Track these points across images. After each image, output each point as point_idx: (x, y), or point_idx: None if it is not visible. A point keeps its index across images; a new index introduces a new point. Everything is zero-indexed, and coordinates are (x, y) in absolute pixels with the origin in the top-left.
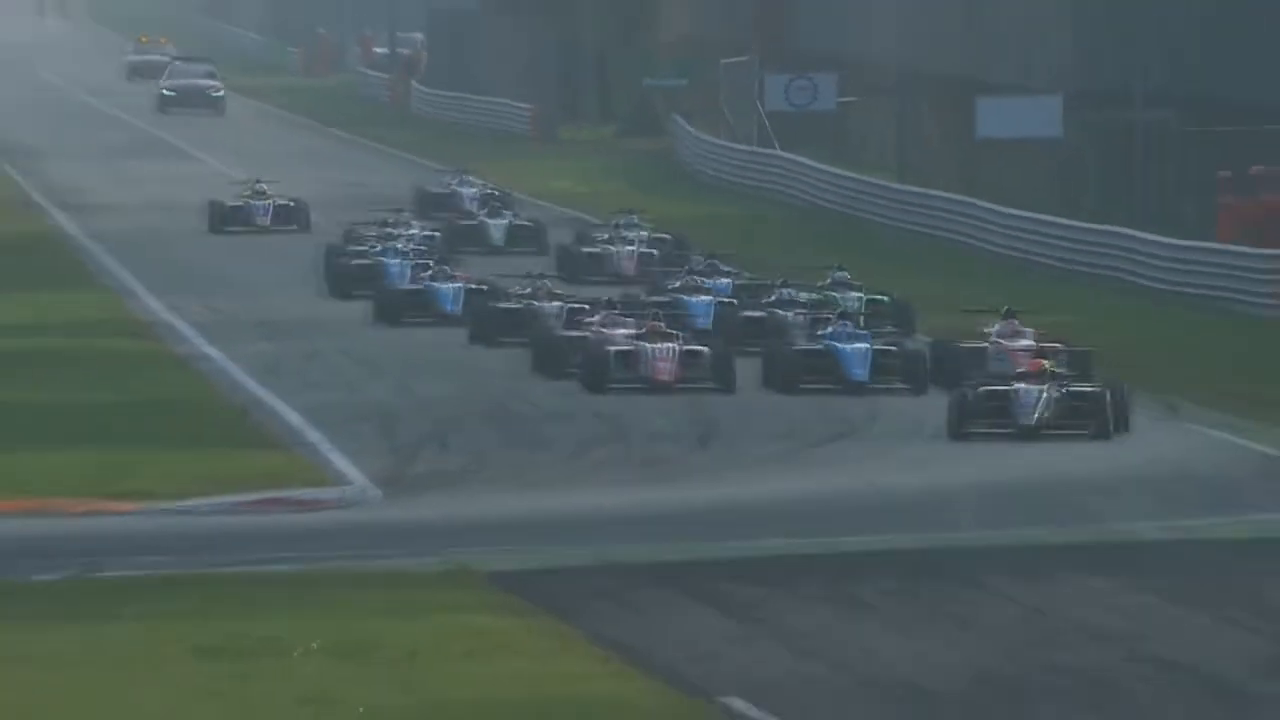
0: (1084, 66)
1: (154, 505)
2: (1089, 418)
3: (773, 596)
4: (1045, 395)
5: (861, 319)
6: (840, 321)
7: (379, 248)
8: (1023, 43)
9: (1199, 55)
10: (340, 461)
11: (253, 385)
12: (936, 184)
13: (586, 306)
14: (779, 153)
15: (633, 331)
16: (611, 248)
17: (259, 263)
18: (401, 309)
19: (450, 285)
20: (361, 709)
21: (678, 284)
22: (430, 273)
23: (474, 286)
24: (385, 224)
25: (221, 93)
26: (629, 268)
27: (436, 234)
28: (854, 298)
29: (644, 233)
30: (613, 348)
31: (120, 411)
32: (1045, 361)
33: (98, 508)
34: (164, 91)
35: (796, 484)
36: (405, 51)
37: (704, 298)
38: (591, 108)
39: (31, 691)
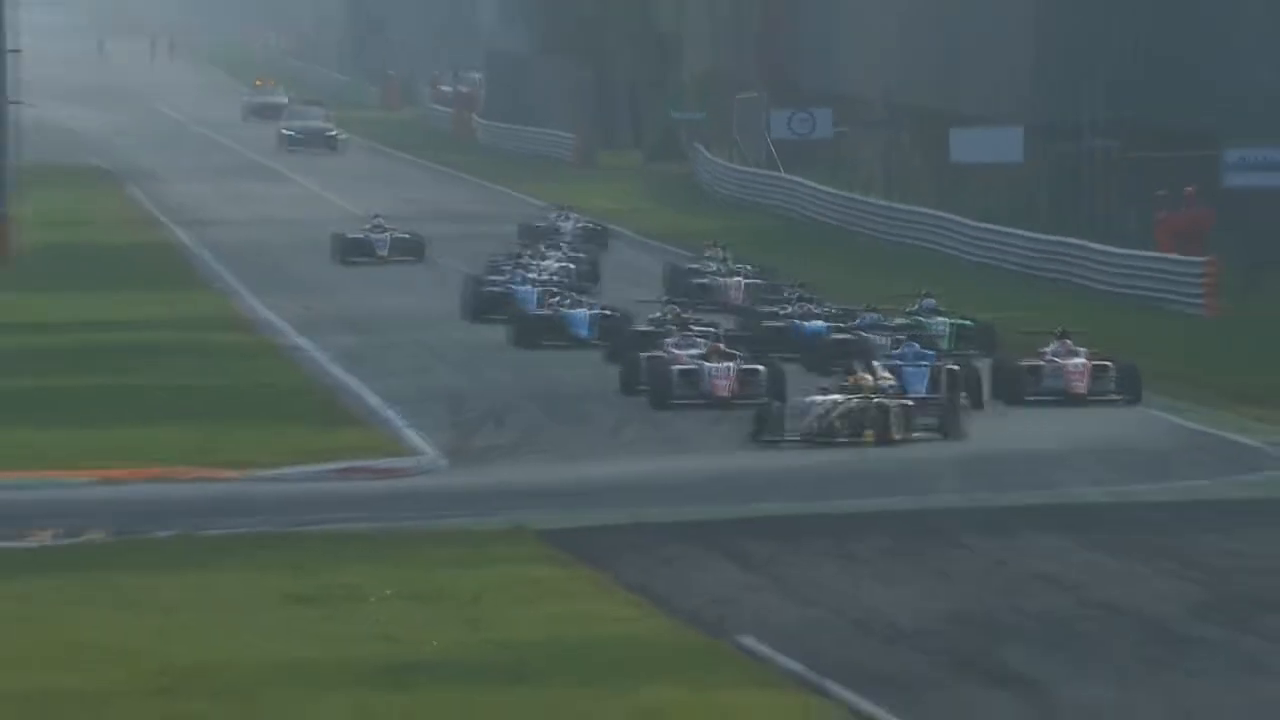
0: (1041, 103)
1: (253, 473)
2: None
3: (781, 551)
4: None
5: (947, 340)
6: (908, 343)
7: (515, 276)
8: (990, 82)
9: (1138, 93)
10: (413, 436)
11: (338, 371)
12: (917, 201)
13: (715, 329)
14: (783, 175)
15: (699, 351)
16: (720, 279)
17: (344, 270)
18: (536, 333)
19: (581, 311)
20: (423, 647)
21: (789, 309)
22: (558, 298)
23: (605, 312)
24: (519, 256)
25: (335, 132)
26: (737, 297)
27: (572, 265)
28: (941, 322)
29: (738, 264)
30: (677, 367)
31: (226, 394)
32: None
33: (205, 475)
34: (284, 132)
35: (802, 459)
36: (465, 89)
37: (817, 323)
38: (625, 137)
39: (151, 629)
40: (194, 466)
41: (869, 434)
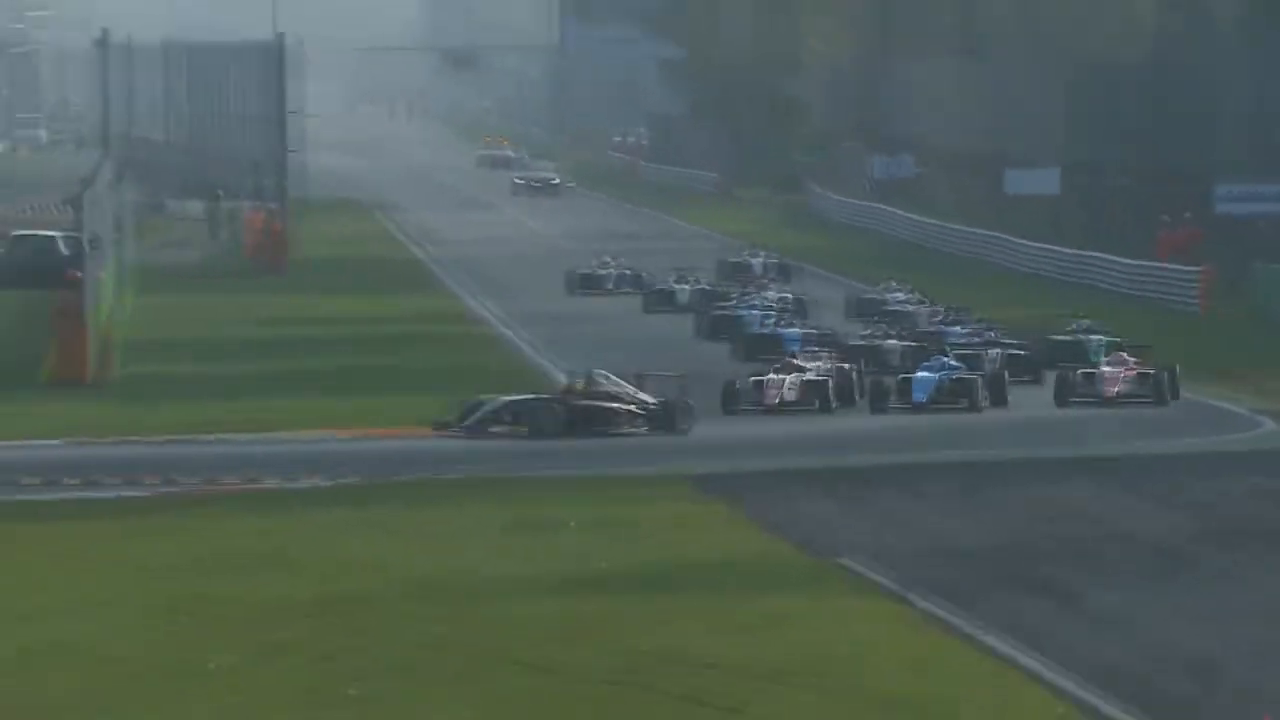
0: (1073, 148)
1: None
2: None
3: (870, 493)
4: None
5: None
6: (936, 357)
7: (742, 303)
8: (1035, 131)
9: (1148, 140)
10: None
11: (531, 353)
12: (979, 224)
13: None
14: (878, 205)
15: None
16: (910, 307)
17: (543, 277)
18: (757, 349)
19: (795, 329)
20: (604, 564)
21: (968, 329)
22: (776, 320)
23: (818, 332)
24: (746, 287)
25: (557, 180)
26: (925, 324)
27: (791, 296)
28: (1097, 340)
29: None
30: (754, 376)
31: (452, 371)
32: None
33: (442, 434)
34: (517, 180)
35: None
36: (634, 140)
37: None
38: (756, 175)
39: (400, 549)
40: (427, 428)
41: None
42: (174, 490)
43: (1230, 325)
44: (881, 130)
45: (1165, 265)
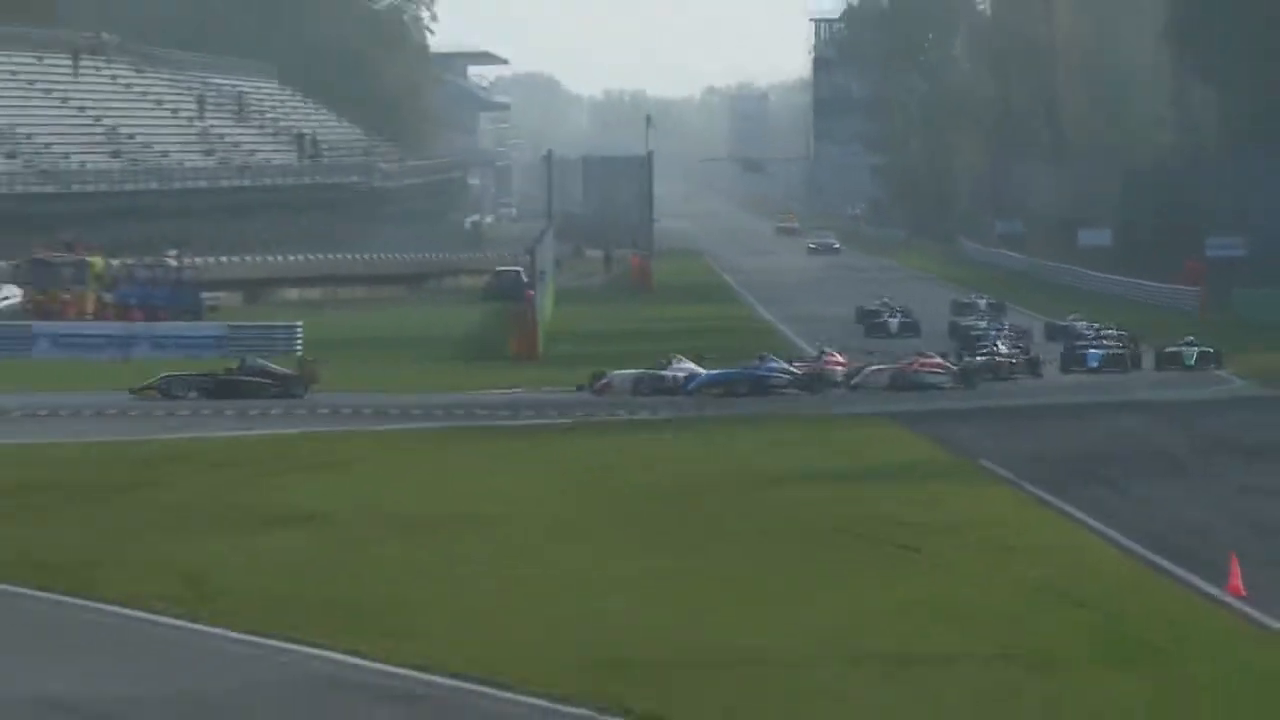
0: (1123, 214)
1: None
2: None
3: (991, 423)
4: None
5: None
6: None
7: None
8: (1099, 204)
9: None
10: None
11: (787, 331)
12: (1062, 261)
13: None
14: (1001, 250)
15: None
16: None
17: (809, 295)
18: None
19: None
20: (832, 464)
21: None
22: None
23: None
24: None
25: (838, 246)
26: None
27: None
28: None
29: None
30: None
31: (741, 350)
32: None
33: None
34: (810, 245)
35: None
36: (858, 212)
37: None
38: (927, 231)
39: (707, 457)
40: None
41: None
42: (577, 420)
43: (1218, 326)
44: (1003, 203)
45: (1175, 286)
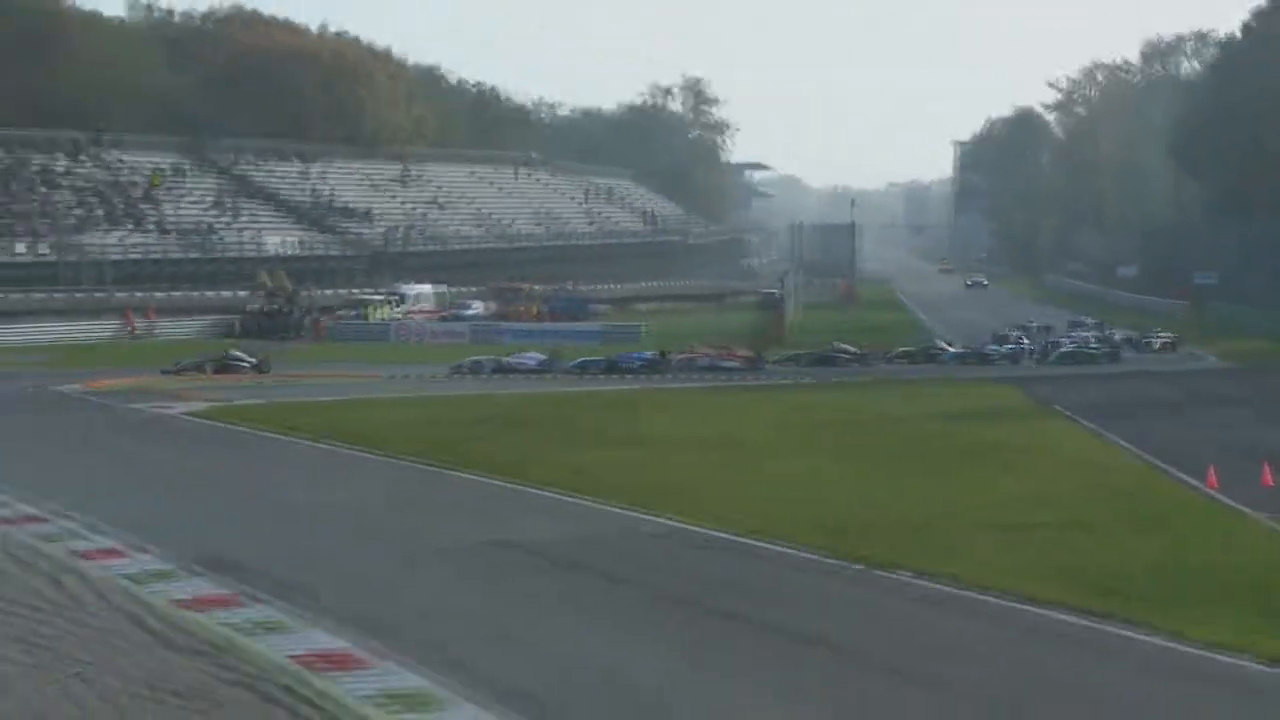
0: (1144, 255)
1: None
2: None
3: (1067, 384)
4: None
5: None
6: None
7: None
8: (1129, 252)
9: (1169, 256)
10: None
11: (927, 321)
12: (1110, 287)
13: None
14: (1072, 281)
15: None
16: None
17: (958, 307)
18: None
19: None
20: (953, 408)
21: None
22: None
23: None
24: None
25: (986, 283)
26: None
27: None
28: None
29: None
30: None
31: (906, 338)
32: None
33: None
34: (968, 283)
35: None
36: (984, 256)
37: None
38: (1025, 268)
39: (861, 405)
40: None
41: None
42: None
43: (1198, 325)
44: (1069, 252)
45: (1175, 301)
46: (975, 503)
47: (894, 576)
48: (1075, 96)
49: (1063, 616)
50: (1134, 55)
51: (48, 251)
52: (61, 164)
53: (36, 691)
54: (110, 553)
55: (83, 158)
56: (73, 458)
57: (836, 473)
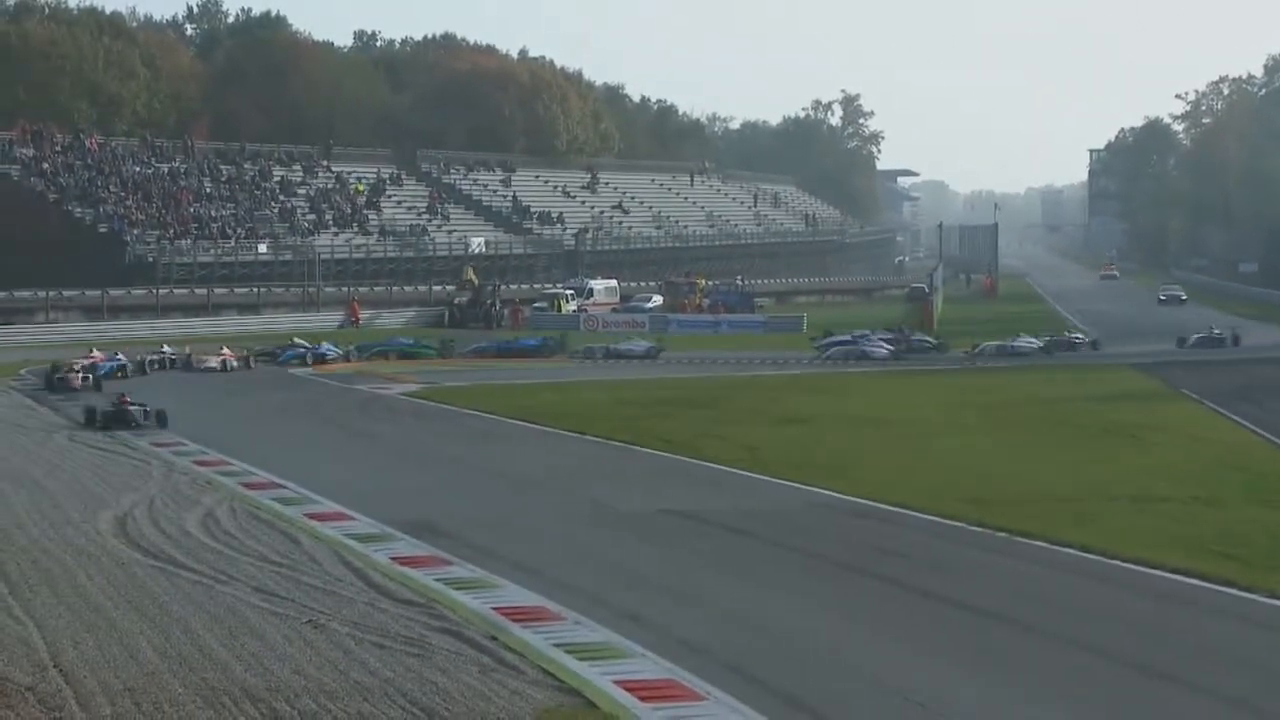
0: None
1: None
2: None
3: (1192, 369)
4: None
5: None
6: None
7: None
8: (1250, 247)
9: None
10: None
11: (1070, 320)
12: (1232, 280)
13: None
14: (1199, 276)
15: None
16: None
17: (1098, 301)
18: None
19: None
20: (1079, 390)
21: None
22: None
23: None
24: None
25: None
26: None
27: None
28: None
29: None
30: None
31: (1038, 331)
32: None
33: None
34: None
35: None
36: (1114, 256)
37: None
38: (1152, 263)
39: (968, 391)
40: None
41: None
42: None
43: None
44: (1196, 249)
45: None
46: (1109, 476)
47: (1034, 544)
48: (1202, 107)
49: (1187, 579)
50: (1258, 69)
51: (286, 253)
52: (298, 174)
53: (283, 637)
54: (338, 515)
55: (316, 169)
56: (306, 431)
57: (986, 447)
